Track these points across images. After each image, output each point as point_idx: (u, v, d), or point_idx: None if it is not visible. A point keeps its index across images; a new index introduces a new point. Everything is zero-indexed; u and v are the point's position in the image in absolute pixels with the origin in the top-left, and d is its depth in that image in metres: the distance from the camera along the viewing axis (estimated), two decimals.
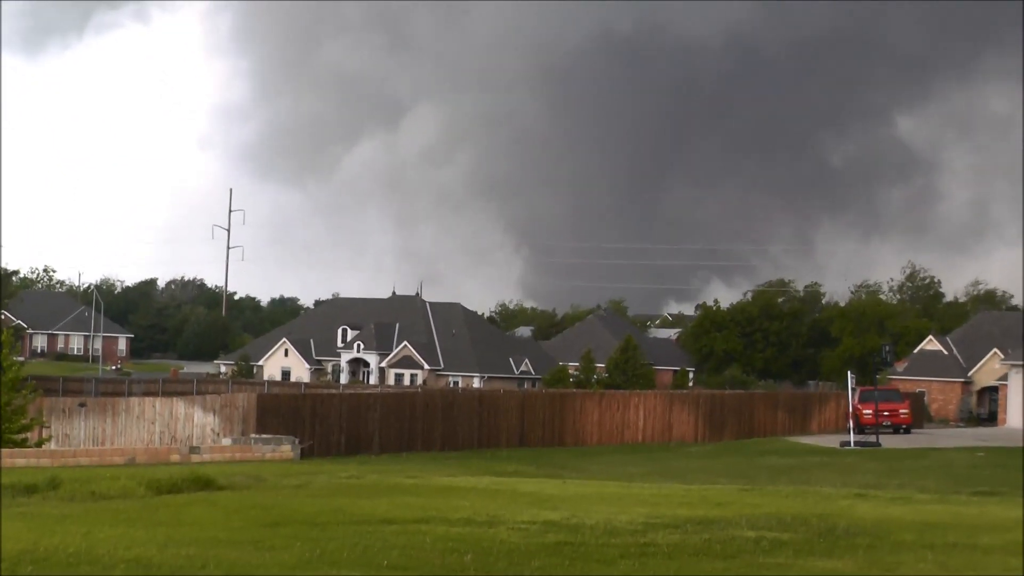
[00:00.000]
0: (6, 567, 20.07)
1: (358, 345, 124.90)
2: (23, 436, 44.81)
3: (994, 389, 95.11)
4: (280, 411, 52.51)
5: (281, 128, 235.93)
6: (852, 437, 64.81)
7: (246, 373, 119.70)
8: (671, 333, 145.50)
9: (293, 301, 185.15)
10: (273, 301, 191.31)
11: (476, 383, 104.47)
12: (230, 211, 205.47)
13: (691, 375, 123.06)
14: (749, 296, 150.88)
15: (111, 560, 20.48)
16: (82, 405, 50.21)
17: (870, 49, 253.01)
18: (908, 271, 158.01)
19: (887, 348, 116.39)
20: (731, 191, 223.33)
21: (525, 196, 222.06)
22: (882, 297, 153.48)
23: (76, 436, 47.61)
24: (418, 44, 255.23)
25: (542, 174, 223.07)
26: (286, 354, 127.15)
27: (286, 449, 47.43)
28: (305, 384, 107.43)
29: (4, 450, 42.16)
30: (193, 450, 45.75)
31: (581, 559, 21.99)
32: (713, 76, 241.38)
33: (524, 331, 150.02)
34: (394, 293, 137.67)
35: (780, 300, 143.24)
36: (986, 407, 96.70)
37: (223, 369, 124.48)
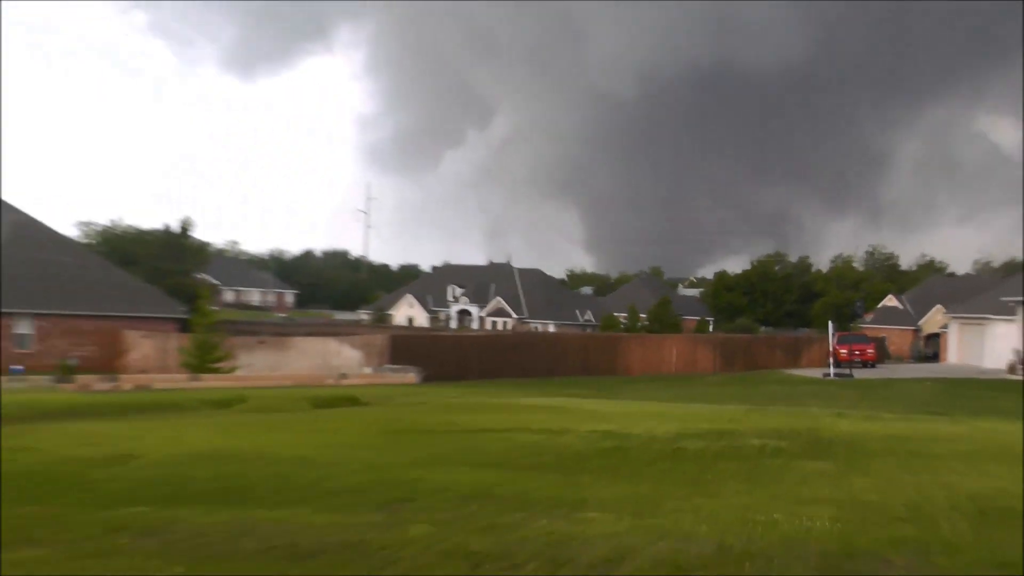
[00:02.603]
0: (215, 466, 20.27)
1: (464, 299, 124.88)
2: (217, 364, 45.11)
3: (937, 335, 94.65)
4: (406, 348, 52.76)
5: (403, 133, 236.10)
6: (832, 370, 64.75)
7: (380, 320, 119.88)
8: (696, 292, 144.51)
9: (415, 266, 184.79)
10: (400, 266, 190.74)
11: (551, 328, 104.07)
12: (368, 198, 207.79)
13: (710, 324, 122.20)
14: (755, 263, 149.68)
15: (278, 457, 20.70)
16: (261, 342, 50.44)
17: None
18: (869, 249, 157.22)
19: (858, 303, 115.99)
20: (750, 192, 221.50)
21: (591, 185, 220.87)
22: (854, 266, 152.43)
23: (256, 365, 47.87)
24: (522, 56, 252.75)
25: (609, 171, 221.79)
26: (410, 306, 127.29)
27: (410, 376, 47.70)
28: (424, 328, 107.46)
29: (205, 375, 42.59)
30: (342, 376, 46.01)
31: (629, 460, 22.10)
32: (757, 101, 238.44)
33: (587, 290, 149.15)
34: (490, 262, 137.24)
35: (776, 267, 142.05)
36: (931, 348, 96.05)
37: (363, 317, 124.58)
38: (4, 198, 56.81)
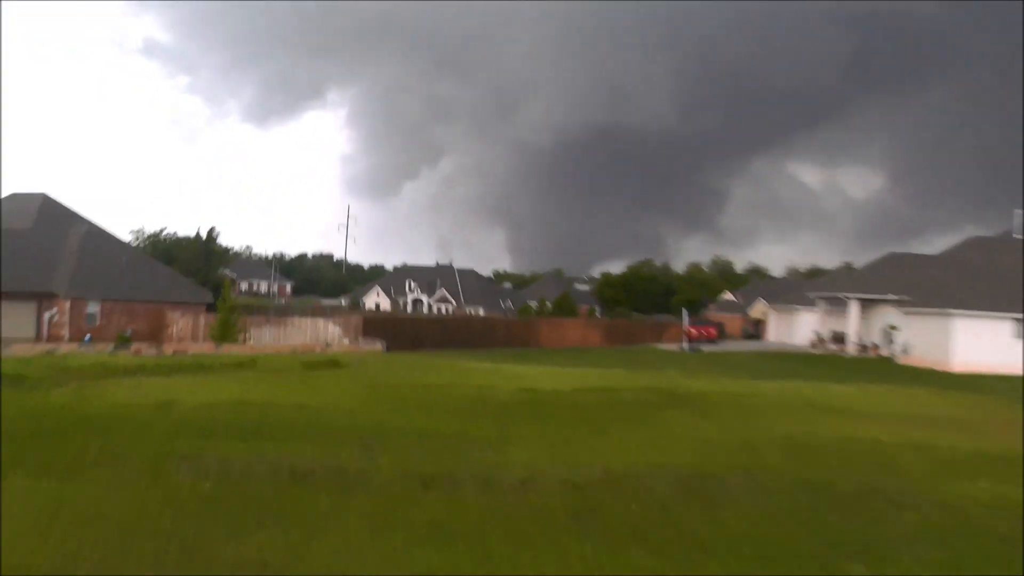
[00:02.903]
0: (235, 412, 20.12)
1: (417, 291, 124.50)
2: (236, 338, 44.69)
3: (760, 321, 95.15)
4: (375, 326, 52.51)
5: (374, 169, 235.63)
6: (686, 345, 65.02)
7: (355, 305, 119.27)
8: (587, 287, 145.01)
9: (381, 266, 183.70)
10: (371, 266, 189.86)
11: (481, 313, 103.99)
12: (348, 216, 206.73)
13: (598, 311, 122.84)
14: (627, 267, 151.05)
15: (285, 404, 20.56)
16: (267, 321, 50.01)
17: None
18: (713, 259, 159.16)
19: (704, 300, 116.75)
20: (629, 216, 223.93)
21: (514, 210, 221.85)
22: (703, 270, 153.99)
23: (263, 338, 47.41)
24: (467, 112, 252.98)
25: (528, 200, 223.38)
26: (378, 295, 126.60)
27: (378, 346, 47.43)
28: (388, 312, 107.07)
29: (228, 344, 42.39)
30: (327, 346, 45.72)
31: (541, 409, 22.12)
32: (637, 152, 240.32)
33: (507, 285, 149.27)
34: (438, 264, 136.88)
35: (645, 270, 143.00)
36: (756, 330, 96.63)
37: (343, 303, 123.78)
38: (79, 211, 56.80)
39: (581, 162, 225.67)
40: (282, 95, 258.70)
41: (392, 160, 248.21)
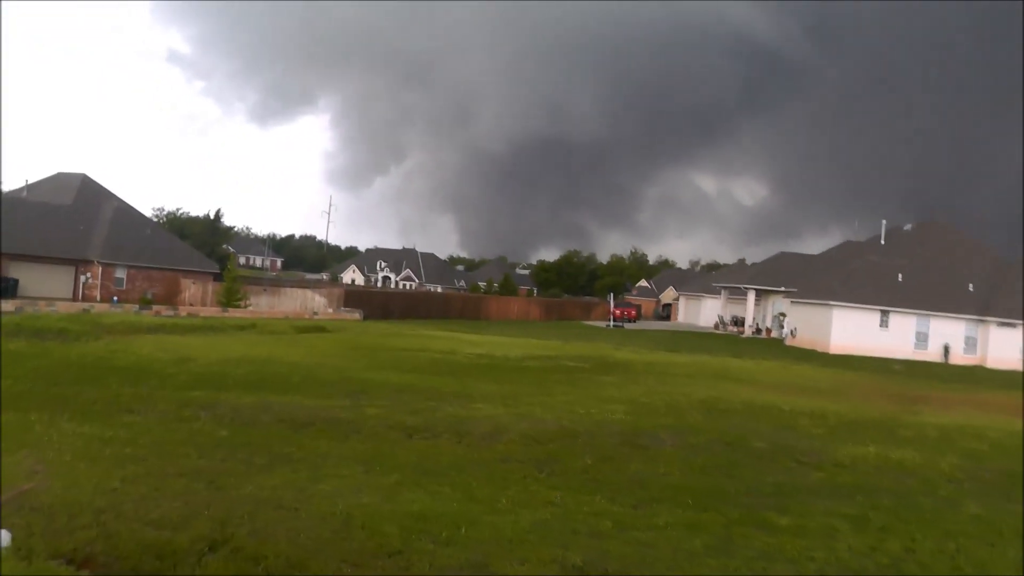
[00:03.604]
0: (242, 367, 19.69)
1: (387, 269, 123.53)
2: (239, 303, 43.91)
3: (669, 304, 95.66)
4: (355, 297, 51.92)
5: (351, 164, 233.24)
6: (611, 323, 65.00)
7: (334, 280, 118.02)
8: (526, 271, 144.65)
9: (355, 248, 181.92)
10: (347, 247, 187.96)
11: (439, 290, 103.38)
12: (330, 205, 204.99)
13: (535, 291, 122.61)
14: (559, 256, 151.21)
15: (281, 362, 20.20)
16: (264, 290, 49.26)
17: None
18: (631, 250, 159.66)
19: (627, 284, 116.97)
20: (562, 212, 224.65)
21: (468, 203, 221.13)
22: (623, 260, 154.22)
23: (260, 305, 46.68)
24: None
25: (480, 195, 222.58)
26: (353, 272, 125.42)
27: (356, 315, 46.85)
28: (362, 286, 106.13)
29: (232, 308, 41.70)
30: (314, 313, 45.09)
31: (496, 371, 21.94)
32: (571, 159, 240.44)
33: (460, 268, 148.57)
34: (403, 247, 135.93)
35: (575, 259, 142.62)
36: (666, 312, 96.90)
37: (324, 277, 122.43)
38: (112, 189, 55.99)
39: (522, 164, 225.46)
40: (280, 100, 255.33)
41: (365, 157, 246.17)
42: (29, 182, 55.13)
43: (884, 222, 59.00)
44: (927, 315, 47.98)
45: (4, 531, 6.16)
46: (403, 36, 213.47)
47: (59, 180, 55.45)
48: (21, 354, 19.08)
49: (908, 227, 59.59)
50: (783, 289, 56.91)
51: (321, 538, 6.74)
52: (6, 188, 63.71)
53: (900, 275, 49.55)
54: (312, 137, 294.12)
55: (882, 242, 57.08)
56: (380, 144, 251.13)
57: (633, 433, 13.35)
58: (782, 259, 64.62)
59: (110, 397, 13.71)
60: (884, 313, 47.83)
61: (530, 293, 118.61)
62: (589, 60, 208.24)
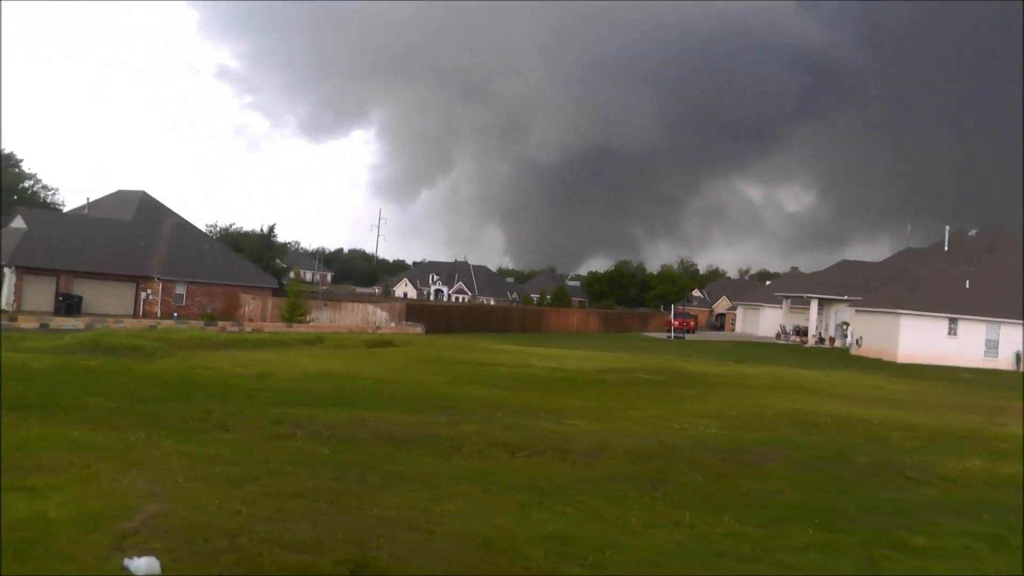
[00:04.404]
0: (324, 383, 19.74)
1: (439, 282, 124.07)
2: (302, 318, 44.28)
3: (723, 314, 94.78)
4: (415, 311, 52.08)
5: (398, 177, 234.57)
6: (672, 334, 64.30)
7: (386, 294, 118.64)
8: (577, 283, 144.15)
9: (404, 261, 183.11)
10: (395, 260, 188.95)
11: (492, 303, 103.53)
12: (379, 218, 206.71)
13: (586, 303, 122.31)
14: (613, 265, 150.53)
15: (361, 376, 20.19)
16: (324, 304, 49.64)
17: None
18: (680, 260, 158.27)
19: (687, 295, 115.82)
20: (611, 223, 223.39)
21: (517, 215, 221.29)
22: (673, 270, 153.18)
23: (321, 319, 47.01)
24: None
25: (527, 207, 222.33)
26: (405, 285, 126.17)
27: (419, 329, 47.00)
28: (415, 300, 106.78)
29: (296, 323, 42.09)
30: (377, 328, 45.28)
31: (574, 385, 21.75)
32: (621, 170, 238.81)
33: (511, 280, 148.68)
34: (455, 260, 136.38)
35: (626, 270, 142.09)
36: (719, 322, 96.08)
37: (376, 291, 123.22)
38: (166, 204, 56.99)
39: (571, 174, 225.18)
40: (332, 113, 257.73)
41: (412, 169, 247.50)
42: (90, 200, 56.40)
43: (948, 228, 58.10)
44: (997, 322, 47.00)
45: (152, 558, 6.10)
46: (458, 51, 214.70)
47: (119, 197, 56.65)
48: (103, 371, 19.27)
49: (973, 232, 58.46)
50: (846, 298, 56.01)
51: (464, 561, 6.59)
52: (69, 206, 65.34)
53: (967, 282, 48.57)
54: (358, 149, 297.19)
55: (946, 248, 56.06)
56: (427, 156, 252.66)
57: (733, 449, 13.05)
58: (843, 267, 63.66)
59: (200, 414, 13.67)
60: (952, 321, 46.89)
61: (582, 304, 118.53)
62: (640, 71, 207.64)
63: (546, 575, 6.40)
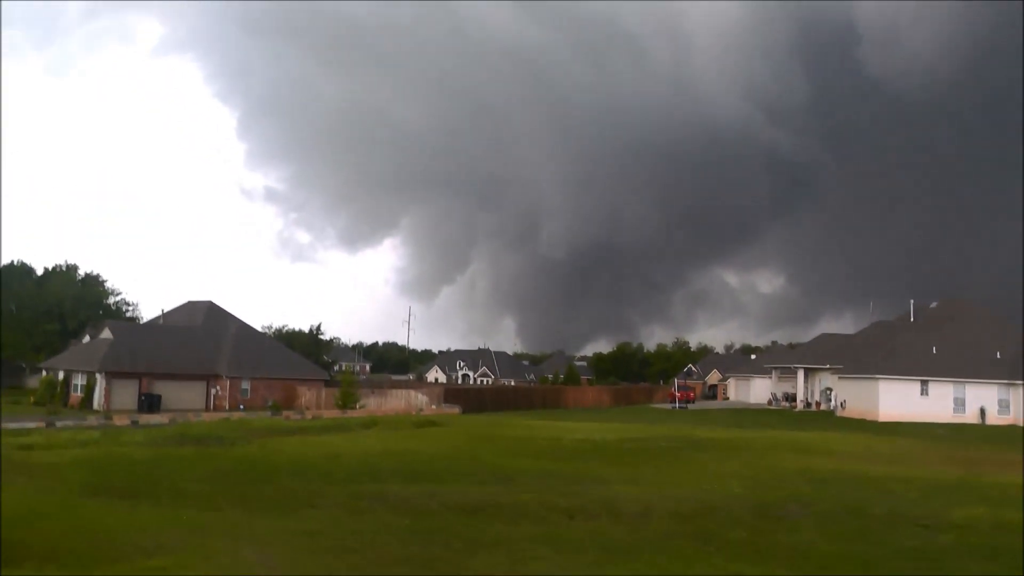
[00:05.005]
0: (387, 460, 19.54)
1: (465, 367, 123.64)
2: (355, 404, 44.06)
3: (715, 385, 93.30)
4: (452, 394, 51.79)
5: (421, 277, 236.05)
6: (676, 404, 63.18)
7: (420, 379, 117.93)
8: (584, 363, 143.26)
9: (429, 350, 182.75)
10: (423, 350, 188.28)
11: (512, 383, 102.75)
12: (410, 315, 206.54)
13: (593, 379, 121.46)
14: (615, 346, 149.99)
15: (420, 454, 19.98)
16: (372, 392, 49.43)
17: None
18: (674, 339, 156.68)
19: (689, 369, 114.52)
20: (612, 309, 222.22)
21: (528, 307, 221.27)
22: (667, 349, 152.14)
23: (369, 404, 46.72)
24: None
25: (538, 301, 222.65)
26: (436, 371, 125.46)
27: (456, 409, 46.62)
28: (445, 384, 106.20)
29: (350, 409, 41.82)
30: (420, 410, 44.92)
31: (604, 454, 21.45)
32: (617, 267, 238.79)
33: (526, 362, 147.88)
34: (478, 348, 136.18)
35: (627, 350, 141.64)
36: (712, 393, 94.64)
37: (410, 377, 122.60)
38: (229, 310, 57.48)
39: (577, 266, 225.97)
40: (368, 224, 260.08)
41: (433, 269, 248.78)
42: (164, 311, 56.91)
43: (912, 301, 57.84)
44: (963, 382, 46.70)
45: None
46: (479, 165, 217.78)
47: (189, 307, 57.12)
48: (194, 459, 19.12)
49: (934, 305, 58.18)
50: (828, 366, 55.61)
51: None
52: (147, 317, 66.03)
53: (935, 348, 48.27)
54: (387, 255, 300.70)
55: (911, 319, 55.74)
56: (447, 257, 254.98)
57: (762, 505, 12.79)
58: (823, 339, 63.80)
59: (287, 493, 13.51)
60: (924, 383, 46.61)
61: (591, 382, 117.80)
62: (637, 178, 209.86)
63: None
